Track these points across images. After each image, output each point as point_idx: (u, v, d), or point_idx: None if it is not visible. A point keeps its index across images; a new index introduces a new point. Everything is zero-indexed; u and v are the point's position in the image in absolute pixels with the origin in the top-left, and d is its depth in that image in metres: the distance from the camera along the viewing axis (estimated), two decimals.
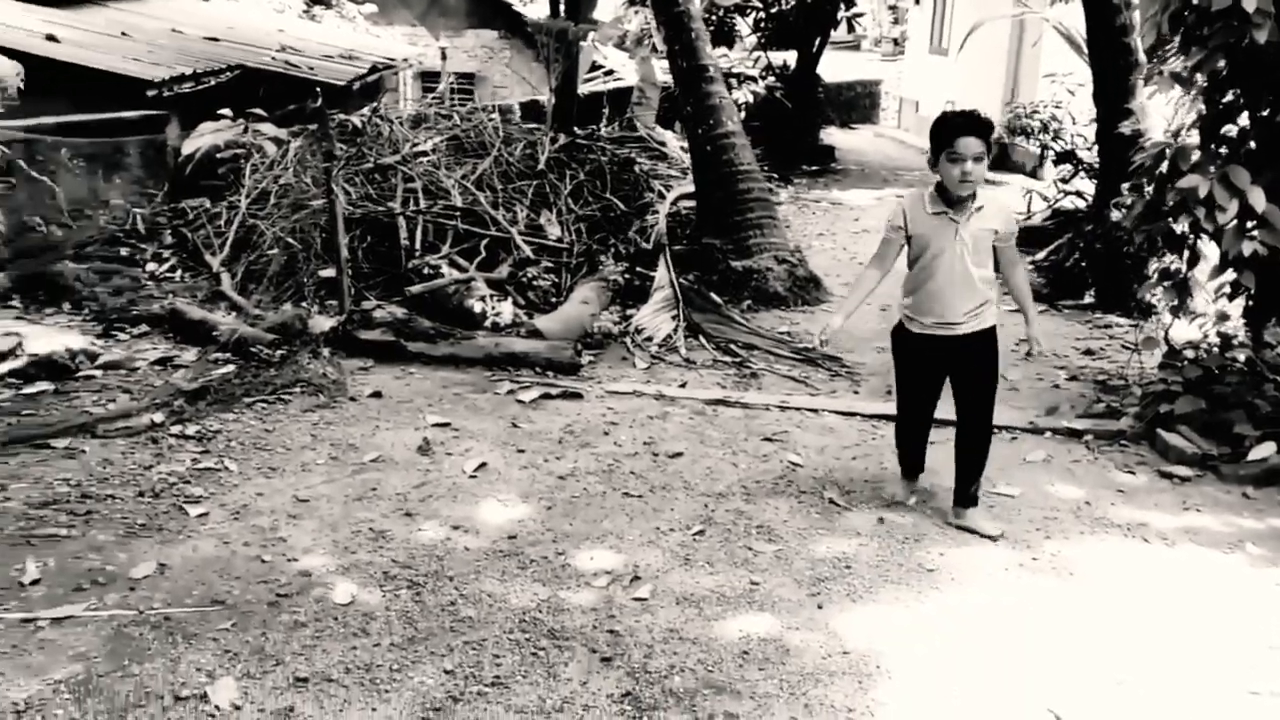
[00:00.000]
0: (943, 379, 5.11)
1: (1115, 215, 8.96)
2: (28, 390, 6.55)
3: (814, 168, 18.12)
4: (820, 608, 4.34)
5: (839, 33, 20.61)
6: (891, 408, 6.64)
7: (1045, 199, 12.52)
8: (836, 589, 4.49)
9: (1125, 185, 7.37)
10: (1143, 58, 9.43)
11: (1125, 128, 9.32)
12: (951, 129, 4.64)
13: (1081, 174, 12.40)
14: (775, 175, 15.10)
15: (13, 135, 8.61)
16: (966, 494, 5.11)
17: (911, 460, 5.39)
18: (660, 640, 4.08)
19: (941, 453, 6.00)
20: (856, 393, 7.04)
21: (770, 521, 5.10)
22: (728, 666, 3.92)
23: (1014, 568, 4.74)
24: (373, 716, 3.58)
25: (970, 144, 4.60)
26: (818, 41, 18.67)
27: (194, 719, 3.54)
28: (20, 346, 6.94)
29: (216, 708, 3.59)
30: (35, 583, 4.35)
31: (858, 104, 26.83)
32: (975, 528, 5.05)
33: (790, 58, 19.19)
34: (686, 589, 4.47)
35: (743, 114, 16.28)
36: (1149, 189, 6.45)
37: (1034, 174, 16.31)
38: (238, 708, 3.61)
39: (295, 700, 3.65)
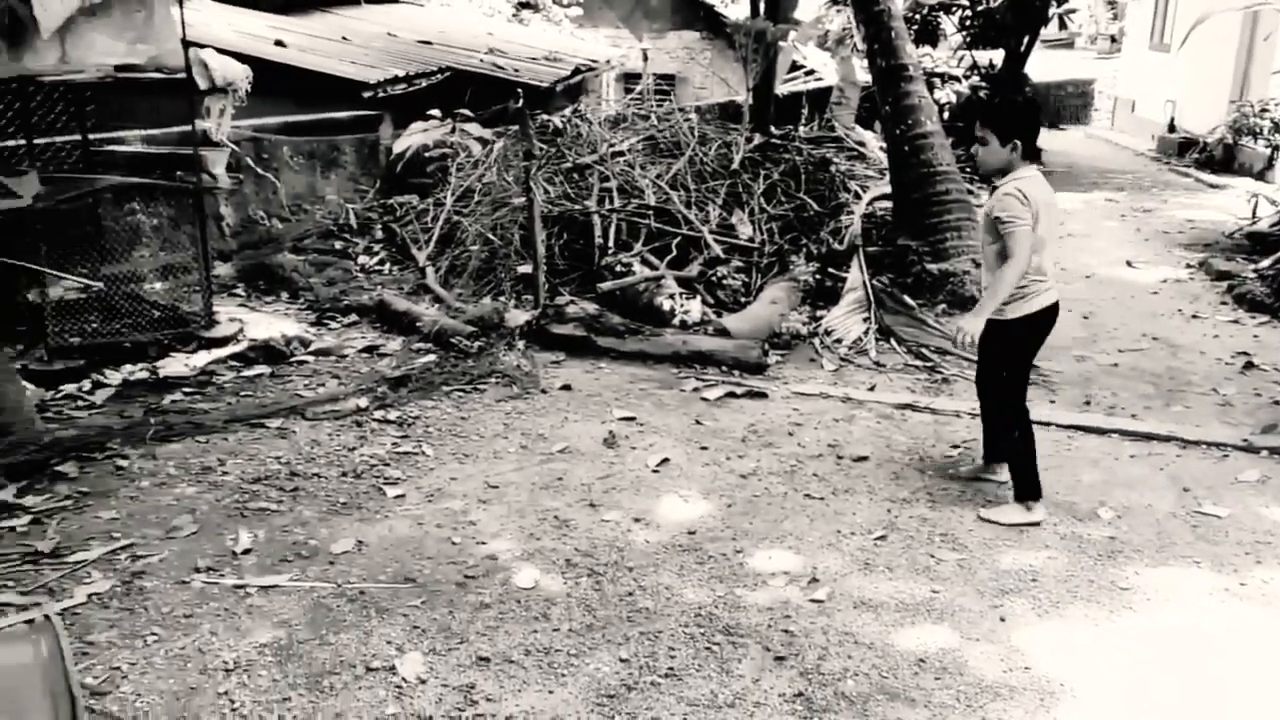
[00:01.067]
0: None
1: None
2: (247, 373, 7.02)
3: None
4: (1003, 620, 4.21)
5: (1050, 30, 19.88)
6: (1089, 419, 6.42)
7: (1274, 203, 11.75)
8: (1021, 602, 4.35)
9: None
10: None
11: None
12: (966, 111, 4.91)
13: None
14: (976, 177, 14.68)
15: (242, 134, 9.22)
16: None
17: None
18: (835, 643, 4.05)
19: (1141, 467, 5.74)
20: (1052, 402, 6.79)
21: (955, 530, 4.99)
22: (903, 674, 3.86)
23: (1218, 592, 4.48)
24: (549, 699, 3.69)
25: (976, 129, 4.94)
26: (1026, 39, 18.03)
27: (383, 689, 3.73)
28: (242, 332, 7.45)
29: (404, 680, 3.77)
30: (247, 552, 4.67)
31: (1068, 104, 25.80)
32: (992, 517, 5.14)
33: (997, 57, 18.61)
34: (865, 594, 4.41)
35: (945, 115, 15.92)
36: None
37: (1262, 176, 15.33)
38: (423, 681, 3.78)
39: (477, 678, 3.80)
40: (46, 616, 2.41)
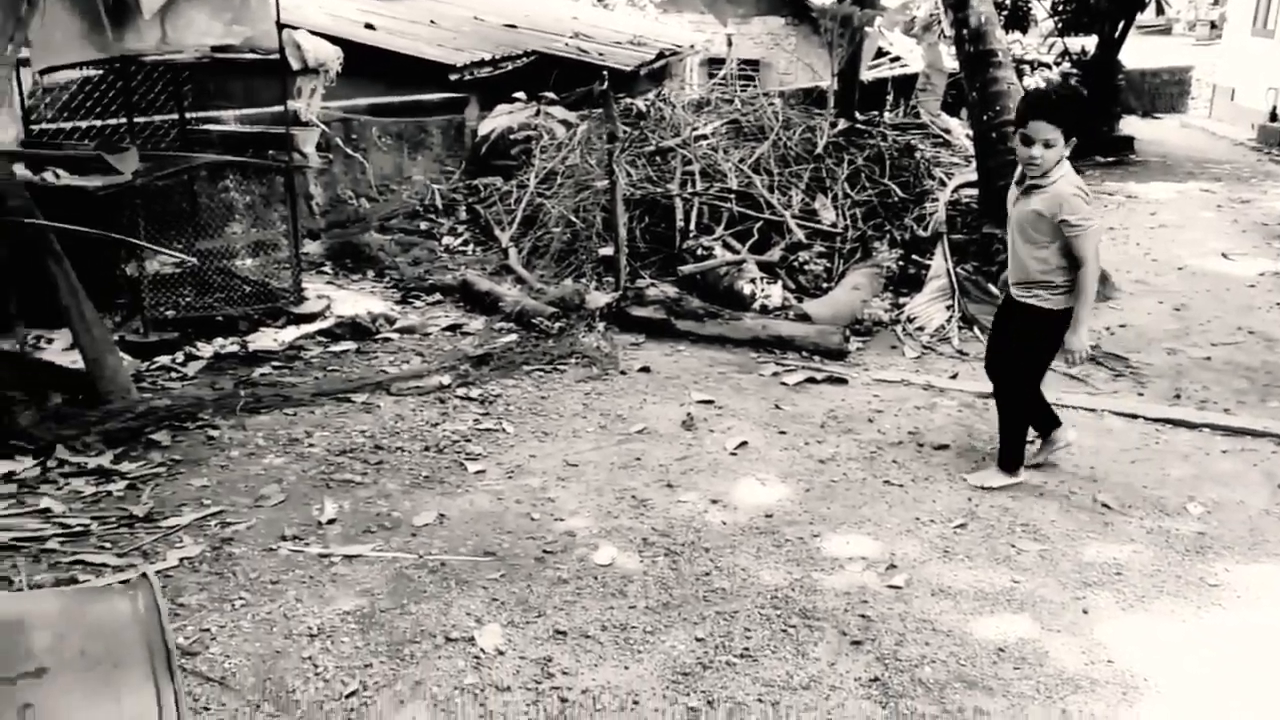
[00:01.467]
0: (1003, 336, 5.30)
1: None
2: (334, 348, 7.16)
3: (1109, 159, 17.14)
4: (1085, 613, 4.15)
5: (1146, 16, 19.37)
6: (1180, 412, 6.28)
7: None
8: (1104, 595, 4.27)
9: None
10: None
11: None
12: (1025, 108, 4.68)
13: None
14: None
15: (332, 115, 9.38)
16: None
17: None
18: (913, 630, 4.02)
19: (1233, 462, 5.60)
20: (1141, 394, 6.65)
21: (1036, 521, 4.91)
22: (981, 663, 3.82)
23: None
24: (625, 674, 3.72)
25: (1040, 127, 4.61)
26: (1121, 25, 17.60)
27: (461, 659, 3.79)
28: (330, 309, 7.60)
29: (482, 650, 3.83)
30: (331, 522, 4.77)
31: (1163, 92, 25.14)
32: (978, 482, 5.27)
33: (1090, 43, 18.20)
34: (944, 581, 4.38)
35: None
36: None
37: None
38: (501, 653, 3.83)
39: (554, 651, 3.85)
40: (144, 575, 2.49)
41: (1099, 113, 17.67)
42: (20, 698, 2.14)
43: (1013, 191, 5.01)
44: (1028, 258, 4.93)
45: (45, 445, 5.31)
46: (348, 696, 3.56)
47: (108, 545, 4.49)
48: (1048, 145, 4.64)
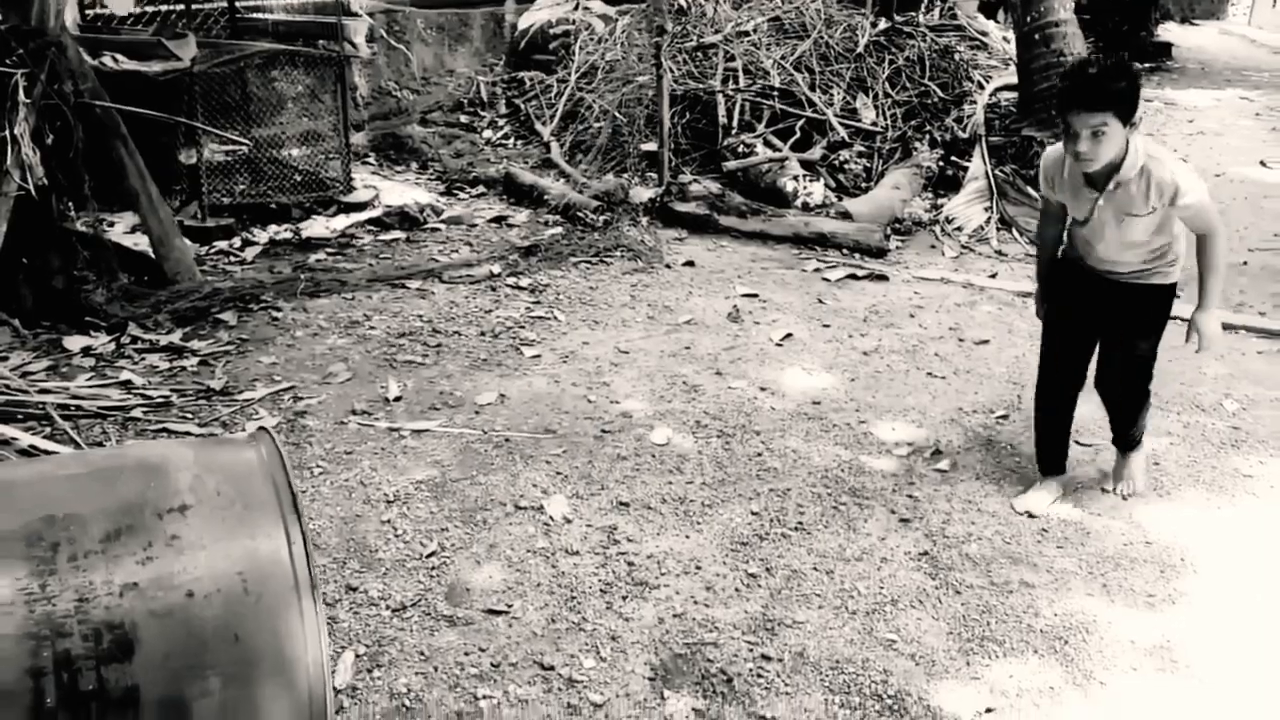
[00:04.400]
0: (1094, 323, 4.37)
1: None
2: (384, 237, 7.32)
3: (1147, 65, 16.90)
4: (1124, 499, 4.33)
5: None
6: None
7: None
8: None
9: None
10: None
11: None
12: (1060, 101, 3.70)
13: None
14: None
15: (377, 6, 9.40)
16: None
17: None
18: (959, 510, 4.21)
19: (1268, 363, 5.72)
20: (1178, 297, 6.71)
21: (1078, 415, 5.05)
22: (1025, 541, 4.02)
23: None
24: (686, 542, 3.94)
25: (1083, 119, 3.63)
26: None
27: (532, 525, 4.01)
28: (378, 198, 7.74)
29: (551, 518, 4.05)
30: (398, 399, 4.98)
31: None
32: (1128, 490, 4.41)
33: None
34: (987, 467, 4.56)
35: (1078, 2, 15.40)
36: None
37: None
38: (568, 521, 4.05)
39: (618, 521, 4.06)
40: (263, 428, 2.68)
41: (1137, 18, 17.39)
42: (168, 530, 2.34)
43: (1065, 176, 4.01)
44: (1130, 252, 4.08)
45: (118, 323, 5.51)
46: (428, 556, 3.79)
47: (189, 416, 4.71)
48: (1096, 135, 3.65)
